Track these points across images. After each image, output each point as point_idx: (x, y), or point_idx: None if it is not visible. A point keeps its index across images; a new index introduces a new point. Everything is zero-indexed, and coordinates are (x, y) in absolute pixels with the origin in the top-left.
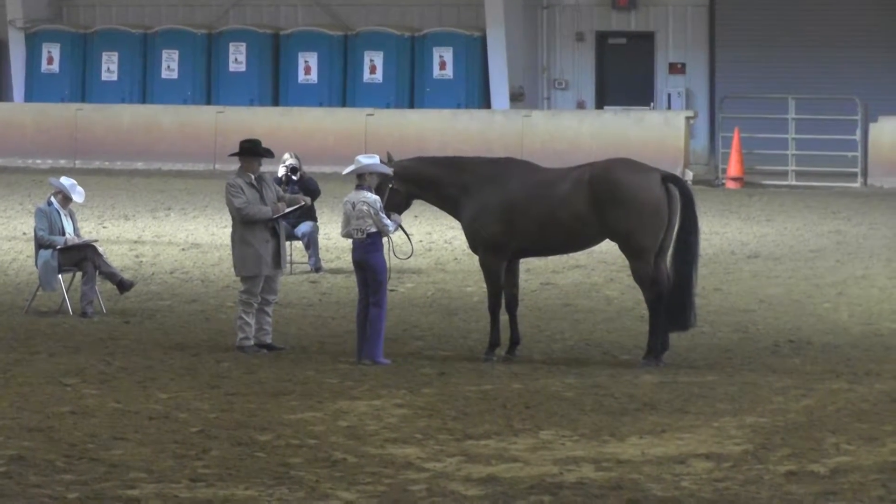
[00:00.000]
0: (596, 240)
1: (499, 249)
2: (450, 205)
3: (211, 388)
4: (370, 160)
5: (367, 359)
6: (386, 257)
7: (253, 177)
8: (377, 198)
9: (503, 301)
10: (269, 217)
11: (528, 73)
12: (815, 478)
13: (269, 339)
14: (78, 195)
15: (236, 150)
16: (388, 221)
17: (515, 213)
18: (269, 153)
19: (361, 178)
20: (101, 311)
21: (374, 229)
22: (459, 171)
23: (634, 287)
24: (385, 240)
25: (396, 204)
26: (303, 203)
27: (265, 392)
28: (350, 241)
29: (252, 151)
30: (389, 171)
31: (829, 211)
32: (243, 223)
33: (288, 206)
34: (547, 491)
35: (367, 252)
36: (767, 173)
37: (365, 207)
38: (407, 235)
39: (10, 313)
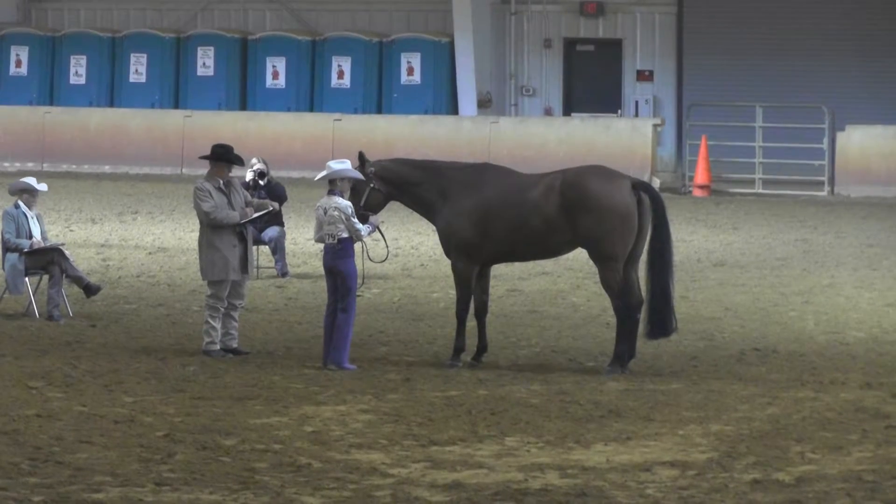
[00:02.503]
0: (568, 247)
1: (472, 254)
2: (426, 208)
3: (176, 392)
4: (342, 165)
5: (332, 364)
6: (359, 262)
7: (221, 181)
8: (349, 203)
9: (472, 307)
10: (237, 222)
11: (495, 79)
12: (780, 486)
13: (235, 344)
14: (40, 186)
15: (205, 153)
16: (360, 226)
17: (489, 218)
18: (240, 161)
19: (333, 184)
20: (67, 314)
21: (345, 234)
22: (438, 175)
23: (600, 294)
24: (358, 245)
25: (376, 204)
26: (271, 208)
27: (231, 396)
28: (321, 246)
29: (224, 157)
30: (361, 176)
31: (795, 219)
32: (211, 228)
33: (256, 211)
34: (512, 497)
35: (339, 257)
36: (734, 181)
37: (336, 213)
38: (383, 237)
39: None
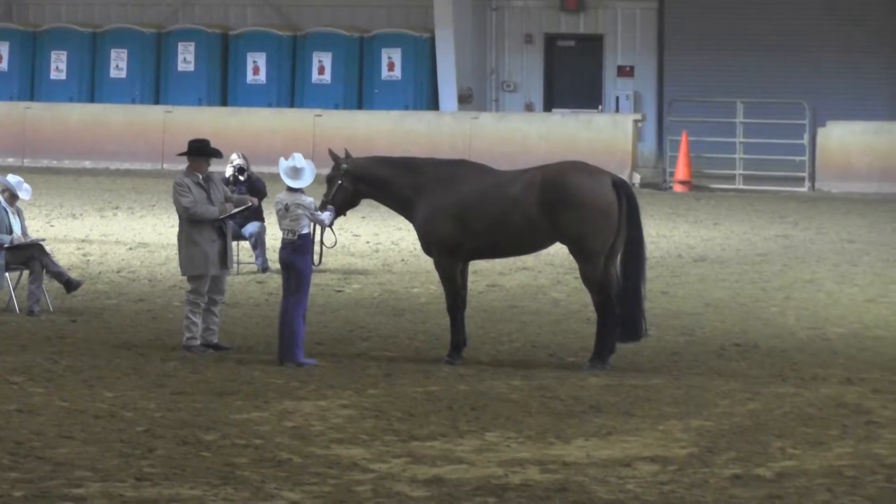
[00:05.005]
0: (547, 242)
1: (453, 251)
2: (402, 205)
3: (157, 387)
4: (308, 166)
5: (289, 362)
6: (317, 247)
7: (201, 176)
8: (312, 200)
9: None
10: (216, 217)
11: (476, 74)
12: (761, 482)
13: (215, 339)
14: (24, 192)
15: (185, 149)
16: (322, 216)
17: (468, 215)
18: (217, 153)
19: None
20: (47, 309)
21: (305, 231)
22: (413, 171)
23: (581, 289)
24: (317, 229)
25: (342, 201)
26: (250, 204)
27: (211, 392)
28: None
29: (201, 151)
30: (311, 180)
31: (776, 215)
32: (190, 223)
33: (235, 207)
34: (492, 493)
35: (295, 253)
36: (715, 177)
37: (300, 211)
38: (331, 229)
39: None
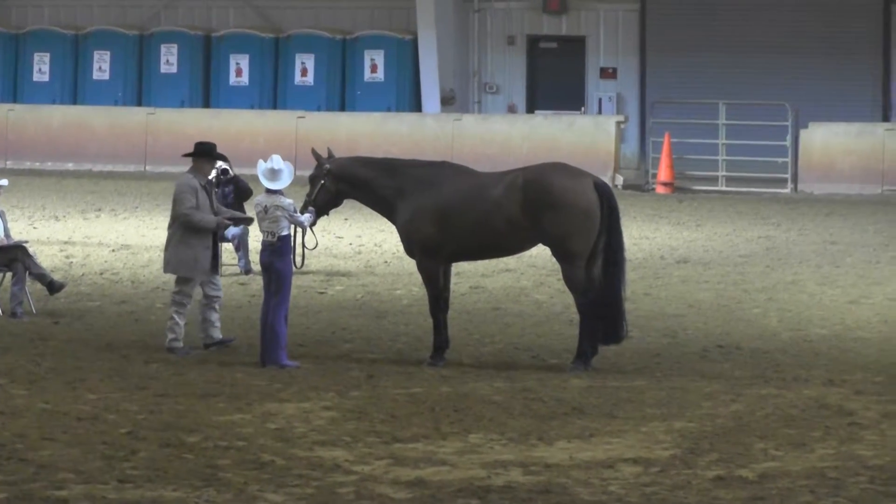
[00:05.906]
0: (529, 244)
1: (435, 252)
2: (383, 206)
3: (140, 389)
4: (286, 168)
5: (271, 364)
6: (299, 247)
7: (205, 180)
8: (291, 201)
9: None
10: (212, 227)
11: (459, 76)
12: (743, 483)
13: (219, 334)
14: (1, 181)
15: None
16: (302, 218)
17: (449, 217)
18: (223, 157)
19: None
20: (30, 311)
21: (285, 233)
22: (394, 173)
23: (563, 291)
24: (299, 231)
25: (324, 201)
26: (251, 220)
27: (194, 394)
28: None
29: (207, 153)
30: (289, 182)
31: (758, 216)
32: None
33: (233, 223)
34: (475, 494)
35: (275, 255)
36: (698, 178)
37: (279, 212)
38: (312, 231)
39: None
